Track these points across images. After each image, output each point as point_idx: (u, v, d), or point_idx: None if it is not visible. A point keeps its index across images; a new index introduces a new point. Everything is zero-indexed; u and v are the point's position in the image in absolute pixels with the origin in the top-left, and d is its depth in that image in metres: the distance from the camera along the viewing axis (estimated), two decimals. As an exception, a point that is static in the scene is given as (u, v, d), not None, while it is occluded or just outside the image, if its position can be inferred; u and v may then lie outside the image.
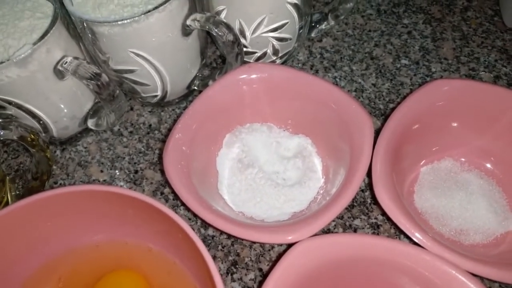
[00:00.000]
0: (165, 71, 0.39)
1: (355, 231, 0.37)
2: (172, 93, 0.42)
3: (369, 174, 0.32)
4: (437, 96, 0.34)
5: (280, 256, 0.30)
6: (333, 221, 0.37)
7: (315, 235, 0.29)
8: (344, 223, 0.37)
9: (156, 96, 0.42)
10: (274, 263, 0.35)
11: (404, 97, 0.35)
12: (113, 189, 0.28)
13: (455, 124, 0.36)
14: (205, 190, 0.35)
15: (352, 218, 0.37)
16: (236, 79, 0.37)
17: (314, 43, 0.50)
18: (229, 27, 0.36)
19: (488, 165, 0.37)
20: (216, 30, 0.36)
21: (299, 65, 0.48)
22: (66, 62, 0.35)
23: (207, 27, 0.36)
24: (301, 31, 0.43)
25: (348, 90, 0.45)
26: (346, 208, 0.38)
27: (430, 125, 0.35)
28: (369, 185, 0.39)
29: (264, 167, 0.39)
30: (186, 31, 0.37)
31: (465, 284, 0.27)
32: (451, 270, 0.28)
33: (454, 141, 0.37)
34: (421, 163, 0.38)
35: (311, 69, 0.47)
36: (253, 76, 0.38)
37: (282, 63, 0.46)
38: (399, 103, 0.35)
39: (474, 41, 0.49)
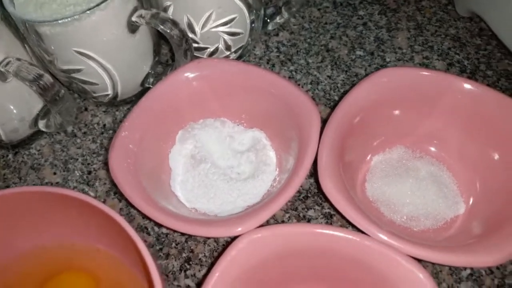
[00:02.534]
0: (113, 69, 0.38)
1: (308, 221, 0.37)
2: (124, 91, 0.41)
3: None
4: (379, 87, 0.35)
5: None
6: (287, 212, 0.37)
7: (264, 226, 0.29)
8: (298, 214, 0.37)
9: (107, 95, 0.41)
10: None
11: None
12: (44, 189, 0.27)
13: (399, 112, 0.36)
14: (156, 188, 0.35)
15: (306, 209, 0.38)
16: (184, 76, 0.37)
17: (271, 37, 0.49)
18: (175, 23, 0.36)
19: (433, 149, 0.37)
20: (162, 26, 0.36)
21: (256, 59, 0.48)
22: (8, 63, 0.34)
23: (152, 23, 0.36)
24: (253, 25, 0.43)
25: (304, 83, 0.45)
26: (300, 199, 0.38)
27: (375, 115, 0.35)
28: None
29: (218, 162, 0.38)
30: (132, 27, 0.37)
31: (409, 270, 0.28)
32: (396, 256, 0.28)
33: (400, 129, 0.37)
34: (372, 153, 0.38)
35: (268, 63, 0.47)
36: (202, 72, 0.37)
37: (238, 58, 0.46)
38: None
39: (428, 30, 0.49)
